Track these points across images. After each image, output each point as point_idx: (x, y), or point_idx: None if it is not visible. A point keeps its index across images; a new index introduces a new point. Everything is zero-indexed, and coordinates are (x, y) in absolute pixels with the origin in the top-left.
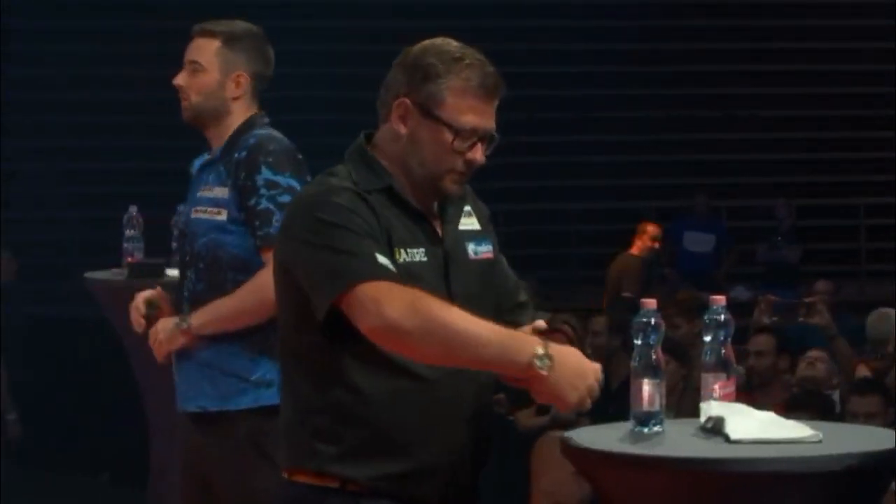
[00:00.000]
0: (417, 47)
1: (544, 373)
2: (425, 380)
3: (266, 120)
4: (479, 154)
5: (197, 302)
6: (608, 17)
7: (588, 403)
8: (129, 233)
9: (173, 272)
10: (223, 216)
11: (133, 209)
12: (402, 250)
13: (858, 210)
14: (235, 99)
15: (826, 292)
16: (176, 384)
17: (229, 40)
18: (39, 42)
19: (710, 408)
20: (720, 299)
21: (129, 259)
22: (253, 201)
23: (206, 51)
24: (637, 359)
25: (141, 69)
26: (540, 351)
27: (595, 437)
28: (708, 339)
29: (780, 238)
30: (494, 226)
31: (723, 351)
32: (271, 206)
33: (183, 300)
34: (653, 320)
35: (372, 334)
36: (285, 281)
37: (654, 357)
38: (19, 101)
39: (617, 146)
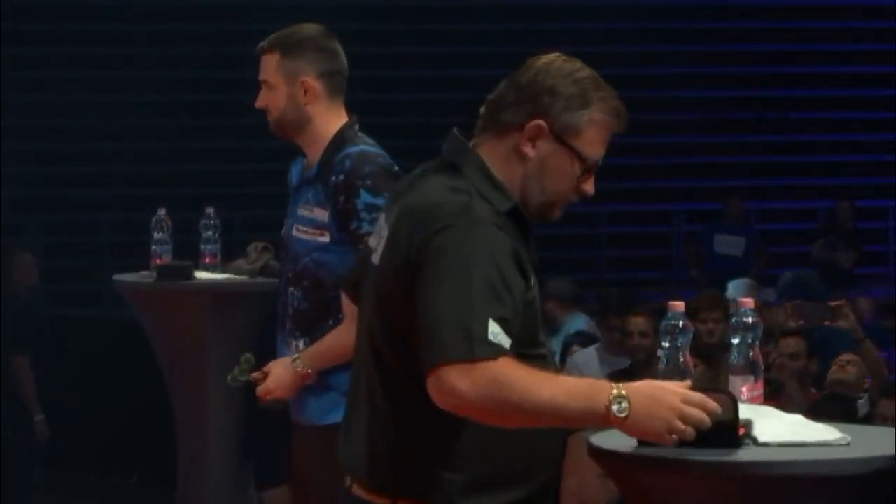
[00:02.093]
0: (548, 70)
1: (624, 415)
2: None
3: (356, 128)
4: (591, 186)
5: (301, 320)
6: (639, 20)
7: (678, 427)
8: (157, 235)
9: (202, 275)
10: (326, 237)
11: (162, 211)
12: (532, 280)
13: (887, 212)
14: (309, 104)
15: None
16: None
17: (286, 50)
18: (54, 45)
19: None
20: (748, 302)
21: (158, 261)
22: (354, 225)
23: (269, 67)
24: (665, 362)
25: (168, 72)
26: (614, 393)
27: (622, 439)
28: (736, 341)
29: (835, 239)
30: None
31: (751, 353)
32: (372, 230)
33: (287, 317)
34: (681, 323)
35: (450, 410)
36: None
37: (682, 360)
38: (39, 104)
39: (646, 148)
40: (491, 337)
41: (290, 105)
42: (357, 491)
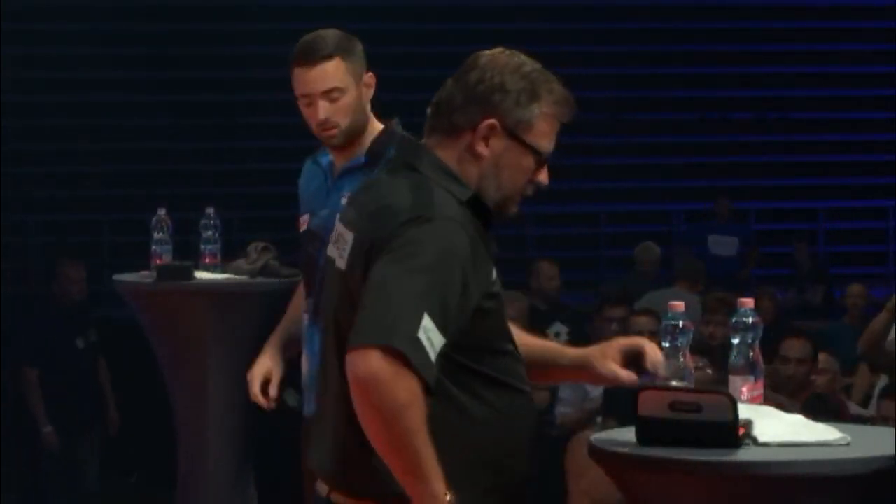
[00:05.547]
0: (495, 67)
1: None
2: (525, 394)
3: (401, 128)
4: (545, 176)
5: None
6: (639, 20)
7: None
8: (157, 235)
9: (202, 275)
10: None
11: (162, 211)
12: (494, 272)
13: (887, 212)
14: (367, 101)
15: (858, 295)
16: (309, 389)
17: (345, 51)
18: (54, 45)
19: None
20: (748, 302)
21: (158, 261)
22: None
23: (336, 73)
24: (664, 361)
25: (169, 72)
26: (449, 498)
27: (622, 439)
28: (736, 341)
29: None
30: (525, 227)
31: (751, 353)
32: None
33: None
34: (681, 323)
35: (354, 380)
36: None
37: (682, 360)
38: (39, 104)
39: (645, 148)
40: (421, 332)
41: (359, 106)
42: (336, 498)
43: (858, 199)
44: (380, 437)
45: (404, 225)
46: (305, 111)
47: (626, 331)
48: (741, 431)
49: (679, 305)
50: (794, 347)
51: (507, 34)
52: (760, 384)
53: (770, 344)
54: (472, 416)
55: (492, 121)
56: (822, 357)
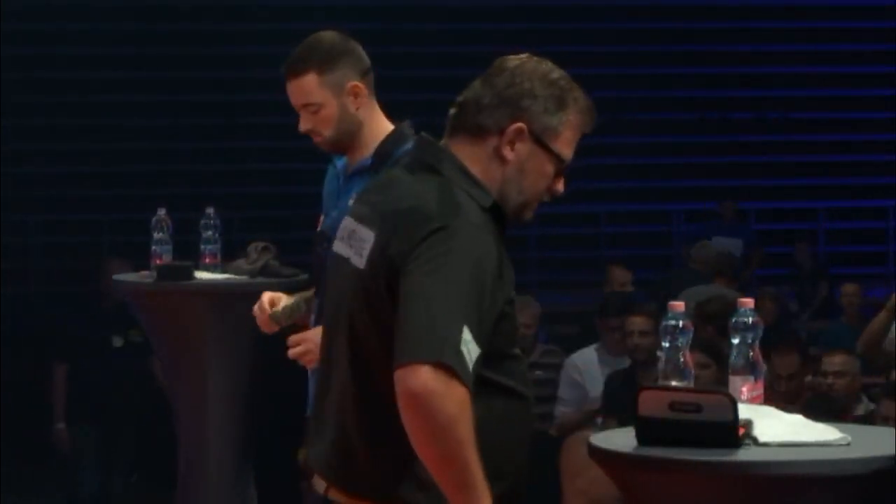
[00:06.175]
0: (524, 72)
1: None
2: (527, 399)
3: (412, 130)
4: (561, 185)
5: None
6: (640, 20)
7: None
8: (157, 235)
9: (202, 275)
10: None
11: (162, 211)
12: (511, 283)
13: (887, 212)
14: (359, 108)
15: (853, 294)
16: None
17: (322, 64)
18: (54, 45)
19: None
20: (748, 302)
21: (158, 261)
22: None
23: (310, 89)
24: (664, 361)
25: (168, 72)
26: None
27: (622, 439)
28: (736, 341)
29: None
30: (525, 228)
31: (751, 353)
32: None
33: None
34: (681, 323)
35: (407, 395)
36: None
37: (682, 360)
38: (39, 104)
39: (646, 148)
40: (463, 345)
41: (344, 116)
42: (334, 495)
43: (858, 199)
44: (431, 451)
45: (434, 233)
46: None
47: (624, 335)
48: (741, 431)
49: (679, 305)
50: (784, 364)
51: (507, 34)
52: (760, 384)
53: (769, 345)
54: (478, 425)
55: (520, 125)
56: (841, 359)
